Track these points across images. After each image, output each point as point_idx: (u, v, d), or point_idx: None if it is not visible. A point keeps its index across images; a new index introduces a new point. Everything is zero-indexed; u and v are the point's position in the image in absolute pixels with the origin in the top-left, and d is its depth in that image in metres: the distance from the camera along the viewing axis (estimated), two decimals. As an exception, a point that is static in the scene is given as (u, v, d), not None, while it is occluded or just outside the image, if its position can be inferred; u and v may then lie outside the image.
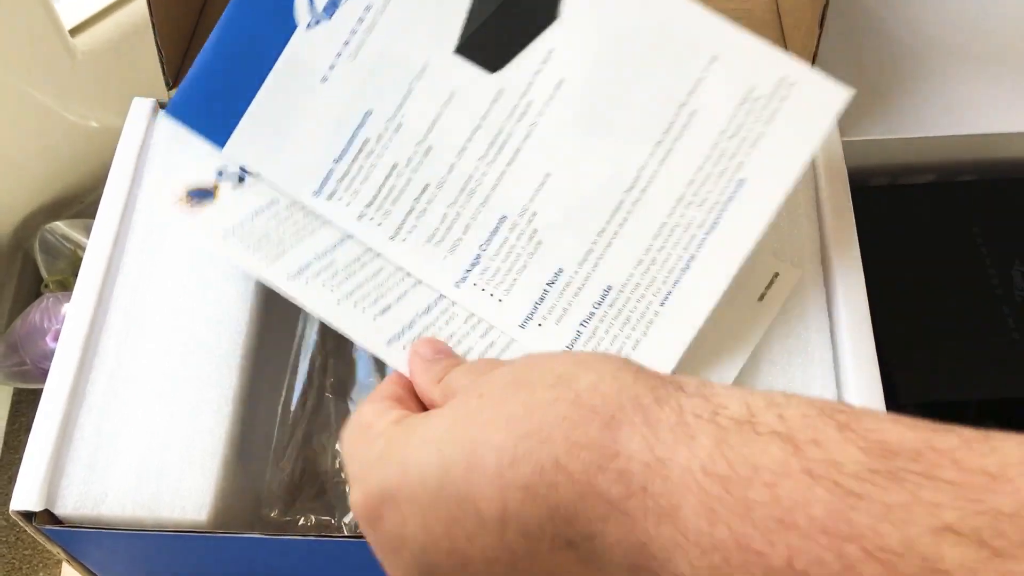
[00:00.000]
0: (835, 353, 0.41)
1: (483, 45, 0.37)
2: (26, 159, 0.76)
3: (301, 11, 0.36)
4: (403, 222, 0.38)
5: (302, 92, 0.38)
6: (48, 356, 0.68)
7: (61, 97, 0.74)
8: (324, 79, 0.37)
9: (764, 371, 0.40)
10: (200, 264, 0.44)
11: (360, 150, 0.37)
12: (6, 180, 0.75)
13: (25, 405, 0.74)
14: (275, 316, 0.45)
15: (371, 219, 0.38)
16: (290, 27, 0.37)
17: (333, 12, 0.37)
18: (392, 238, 0.38)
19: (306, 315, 0.46)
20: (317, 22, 0.37)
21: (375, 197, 0.38)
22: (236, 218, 0.41)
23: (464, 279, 0.37)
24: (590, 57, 0.37)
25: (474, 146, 0.37)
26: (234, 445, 0.41)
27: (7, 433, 0.72)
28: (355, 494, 0.28)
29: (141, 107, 0.46)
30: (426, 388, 0.32)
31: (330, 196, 0.38)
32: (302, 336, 0.46)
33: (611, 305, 0.37)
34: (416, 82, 0.38)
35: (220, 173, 0.43)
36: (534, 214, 0.37)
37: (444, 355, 0.35)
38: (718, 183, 0.37)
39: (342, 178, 0.38)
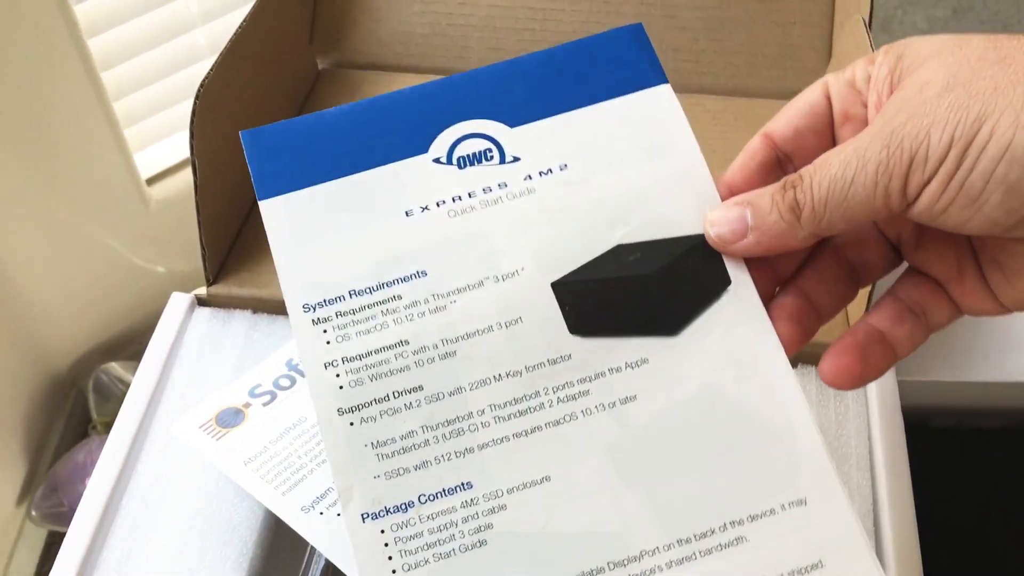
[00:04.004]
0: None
1: (582, 300, 0.31)
2: (90, 299, 0.77)
3: (438, 146, 0.32)
4: (366, 404, 0.30)
5: (378, 210, 0.32)
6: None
7: (132, 243, 0.77)
8: (408, 213, 0.32)
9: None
10: (217, 480, 0.43)
11: (384, 301, 0.31)
12: (68, 318, 0.77)
13: (57, 548, 0.73)
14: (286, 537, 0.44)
15: (338, 375, 0.30)
16: (418, 148, 0.33)
17: (466, 167, 0.32)
18: (341, 412, 0.30)
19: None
20: (446, 163, 0.32)
21: (359, 356, 0.30)
22: (260, 444, 0.41)
23: (377, 517, 0.29)
24: (678, 397, 0.31)
25: (498, 389, 0.30)
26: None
27: None
28: None
29: (179, 302, 0.47)
30: None
31: (317, 322, 0.30)
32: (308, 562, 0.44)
33: None
34: (492, 283, 0.31)
35: (252, 391, 0.43)
36: (502, 507, 0.29)
37: None
38: None
39: (344, 313, 0.31)
